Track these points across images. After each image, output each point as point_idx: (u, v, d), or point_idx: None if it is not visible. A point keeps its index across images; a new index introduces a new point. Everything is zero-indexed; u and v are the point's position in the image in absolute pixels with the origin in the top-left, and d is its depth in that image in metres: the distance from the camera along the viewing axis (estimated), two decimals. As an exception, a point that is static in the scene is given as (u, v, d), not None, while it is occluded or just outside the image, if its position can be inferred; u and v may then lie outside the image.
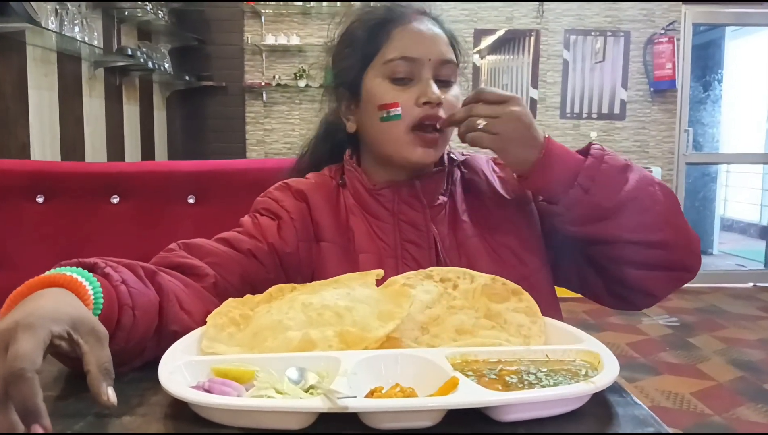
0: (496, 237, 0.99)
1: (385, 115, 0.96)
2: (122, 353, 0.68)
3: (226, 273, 0.90)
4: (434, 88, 0.95)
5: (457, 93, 0.99)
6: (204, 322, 0.75)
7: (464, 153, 1.12)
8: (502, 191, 1.05)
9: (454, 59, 1.00)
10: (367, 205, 1.01)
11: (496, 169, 1.09)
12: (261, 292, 0.80)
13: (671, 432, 0.57)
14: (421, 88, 0.95)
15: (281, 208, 1.00)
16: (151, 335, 0.73)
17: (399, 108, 0.95)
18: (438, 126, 0.95)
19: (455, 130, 0.97)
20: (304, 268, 0.98)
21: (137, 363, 0.72)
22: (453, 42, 1.02)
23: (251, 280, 0.92)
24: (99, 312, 0.66)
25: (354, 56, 1.01)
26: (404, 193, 1.00)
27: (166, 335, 0.74)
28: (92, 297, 0.66)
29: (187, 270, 0.86)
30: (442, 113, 0.95)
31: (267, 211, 1.01)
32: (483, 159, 1.12)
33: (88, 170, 1.39)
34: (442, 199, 1.02)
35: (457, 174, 1.07)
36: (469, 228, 1.01)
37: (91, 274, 0.68)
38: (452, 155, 1.08)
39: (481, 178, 1.07)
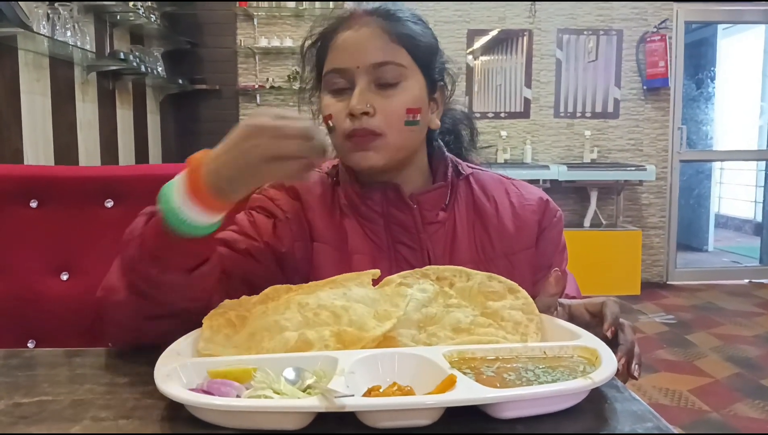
0: (491, 269, 0.90)
1: (327, 127, 0.97)
2: (205, 278, 0.79)
3: (225, 275, 0.90)
4: (358, 98, 0.91)
5: (408, 95, 0.94)
6: None
7: (475, 167, 1.09)
8: (509, 225, 1.02)
9: (396, 60, 0.93)
10: (358, 207, 1.00)
11: (513, 199, 1.05)
12: (259, 293, 0.80)
13: (670, 427, 0.57)
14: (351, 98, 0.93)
15: (276, 207, 0.99)
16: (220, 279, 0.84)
17: (332, 119, 0.95)
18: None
19: (401, 131, 0.95)
20: (300, 268, 0.97)
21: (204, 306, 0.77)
22: (405, 38, 0.95)
23: (250, 280, 0.91)
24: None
25: (310, 72, 1.03)
26: (392, 196, 0.99)
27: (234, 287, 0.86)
28: None
29: None
30: (374, 122, 0.92)
31: (263, 209, 1.00)
32: (496, 179, 1.08)
33: (81, 174, 1.39)
34: (442, 215, 1.01)
35: (463, 189, 1.04)
36: (466, 252, 0.99)
37: None
38: (460, 169, 1.05)
39: (491, 203, 1.03)
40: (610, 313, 0.78)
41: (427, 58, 0.98)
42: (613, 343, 0.79)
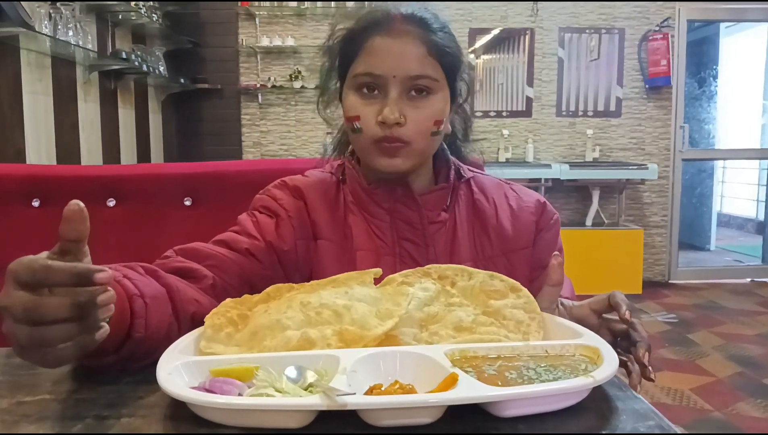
0: (490, 268, 0.92)
1: (352, 127, 0.97)
2: (146, 341, 0.69)
3: (225, 274, 0.90)
4: (392, 108, 0.92)
5: (436, 107, 0.95)
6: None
7: (475, 171, 1.10)
8: (507, 225, 1.03)
9: (431, 74, 0.94)
10: (364, 203, 1.01)
11: (511, 202, 1.06)
12: (260, 292, 0.80)
13: (672, 426, 0.56)
14: (383, 104, 0.93)
15: (279, 207, 1.00)
16: (169, 319, 0.75)
17: (360, 122, 0.95)
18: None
19: (427, 140, 0.96)
20: (302, 267, 0.98)
21: (165, 348, 0.68)
22: (439, 51, 0.95)
23: (250, 279, 0.92)
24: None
25: (334, 67, 1.03)
26: (399, 192, 1.00)
27: (184, 318, 0.77)
28: None
29: (186, 273, 0.86)
30: (404, 132, 0.93)
31: (265, 208, 1.01)
32: (495, 182, 1.10)
33: (83, 174, 1.39)
34: (444, 216, 1.02)
35: (464, 191, 1.06)
36: (466, 251, 1.01)
37: None
38: (461, 172, 1.07)
39: (490, 205, 1.05)
40: (622, 301, 0.80)
41: (454, 70, 0.98)
42: (620, 345, 0.80)
